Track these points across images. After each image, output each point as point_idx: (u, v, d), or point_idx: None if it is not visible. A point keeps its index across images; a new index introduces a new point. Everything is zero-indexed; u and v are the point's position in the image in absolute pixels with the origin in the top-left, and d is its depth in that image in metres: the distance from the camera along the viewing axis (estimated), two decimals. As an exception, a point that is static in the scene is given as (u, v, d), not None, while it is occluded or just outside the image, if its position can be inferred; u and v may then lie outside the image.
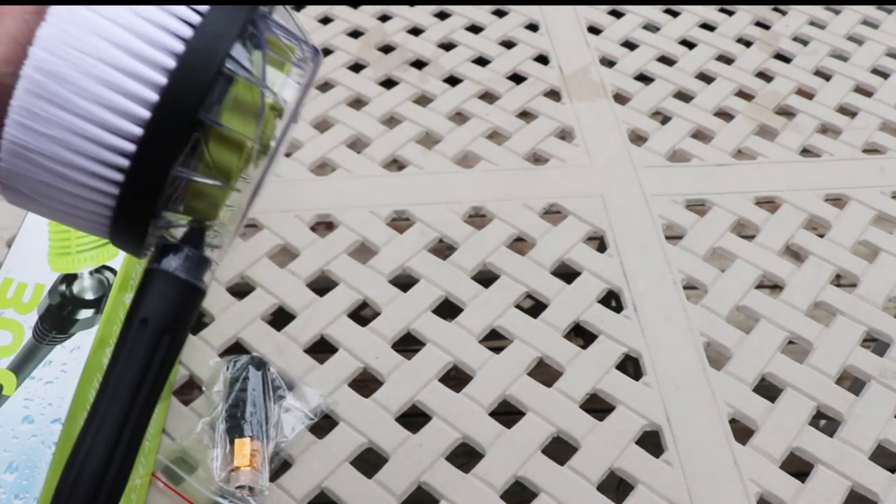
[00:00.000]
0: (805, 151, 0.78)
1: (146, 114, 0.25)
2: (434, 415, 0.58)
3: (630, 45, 0.89)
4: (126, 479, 0.28)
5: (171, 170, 0.25)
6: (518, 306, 0.64)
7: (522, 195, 0.72)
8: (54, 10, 0.24)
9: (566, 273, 0.66)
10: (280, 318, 0.63)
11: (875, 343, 0.65)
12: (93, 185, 0.26)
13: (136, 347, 0.27)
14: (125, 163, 0.25)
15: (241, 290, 0.65)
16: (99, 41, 0.24)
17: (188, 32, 0.25)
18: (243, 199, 0.29)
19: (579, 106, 0.81)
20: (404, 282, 0.65)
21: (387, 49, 0.87)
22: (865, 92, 0.84)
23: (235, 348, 0.61)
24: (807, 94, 0.84)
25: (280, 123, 0.28)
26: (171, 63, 0.25)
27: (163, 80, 0.25)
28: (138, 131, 0.25)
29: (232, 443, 0.53)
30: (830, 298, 0.66)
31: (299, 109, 0.29)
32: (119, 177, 0.26)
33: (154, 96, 0.25)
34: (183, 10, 0.25)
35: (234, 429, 0.54)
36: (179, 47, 0.25)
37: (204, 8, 0.26)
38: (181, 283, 0.28)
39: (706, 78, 0.85)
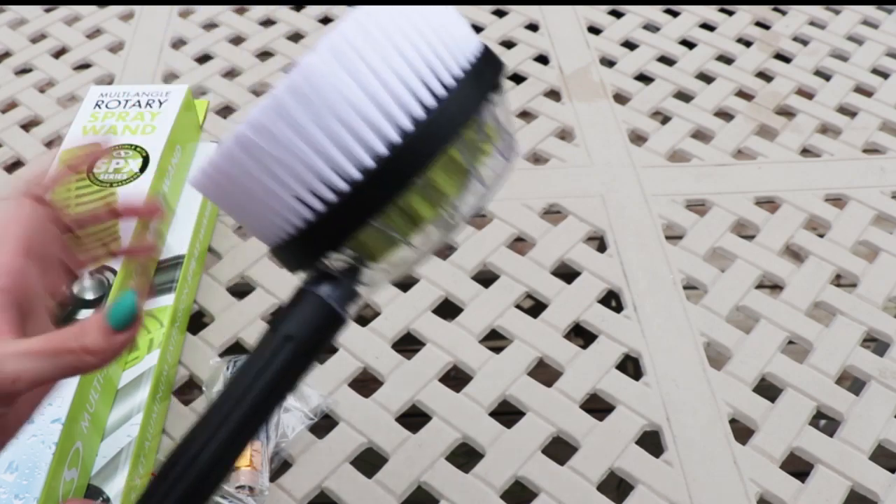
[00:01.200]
0: (805, 151, 0.78)
1: (370, 163, 0.26)
2: (434, 415, 0.58)
3: (630, 45, 0.89)
4: (221, 480, 0.29)
5: (370, 219, 0.27)
6: (518, 306, 0.64)
7: (522, 195, 0.72)
8: (326, 43, 0.25)
9: (566, 273, 0.66)
10: (280, 318, 0.63)
11: (875, 343, 0.65)
12: (291, 205, 0.27)
13: (274, 361, 0.29)
14: (333, 198, 0.26)
15: (241, 290, 0.65)
16: (352, 84, 0.25)
17: (432, 103, 0.26)
18: (411, 256, 0.30)
19: (579, 106, 0.81)
20: (404, 282, 0.65)
21: (387, 49, 0.87)
22: (865, 92, 0.84)
23: (235, 348, 0.61)
24: (807, 94, 0.84)
25: (467, 199, 0.29)
26: (409, 126, 0.26)
27: (397, 139, 0.26)
28: (357, 175, 0.26)
29: (232, 443, 0.53)
30: (830, 298, 0.66)
31: (489, 195, 0.30)
32: (320, 207, 0.27)
33: (383, 150, 0.26)
34: (435, 82, 0.27)
35: (234, 429, 0.54)
36: (421, 114, 0.26)
37: (450, 83, 0.27)
38: (331, 311, 0.29)
39: (706, 78, 0.85)
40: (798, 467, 0.56)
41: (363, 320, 0.63)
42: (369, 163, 0.26)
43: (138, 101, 0.65)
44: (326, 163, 0.26)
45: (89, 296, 0.52)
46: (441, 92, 0.27)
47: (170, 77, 0.84)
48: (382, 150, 0.26)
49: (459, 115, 0.27)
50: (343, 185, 0.26)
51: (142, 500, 0.29)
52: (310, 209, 0.27)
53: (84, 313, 0.51)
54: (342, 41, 0.26)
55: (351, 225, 0.27)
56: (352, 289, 0.29)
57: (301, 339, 0.29)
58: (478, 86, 0.28)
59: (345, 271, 0.29)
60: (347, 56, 0.26)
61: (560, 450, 0.57)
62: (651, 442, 0.57)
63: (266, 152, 0.26)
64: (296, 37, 0.89)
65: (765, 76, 0.85)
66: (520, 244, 0.69)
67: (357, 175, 0.26)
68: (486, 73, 0.28)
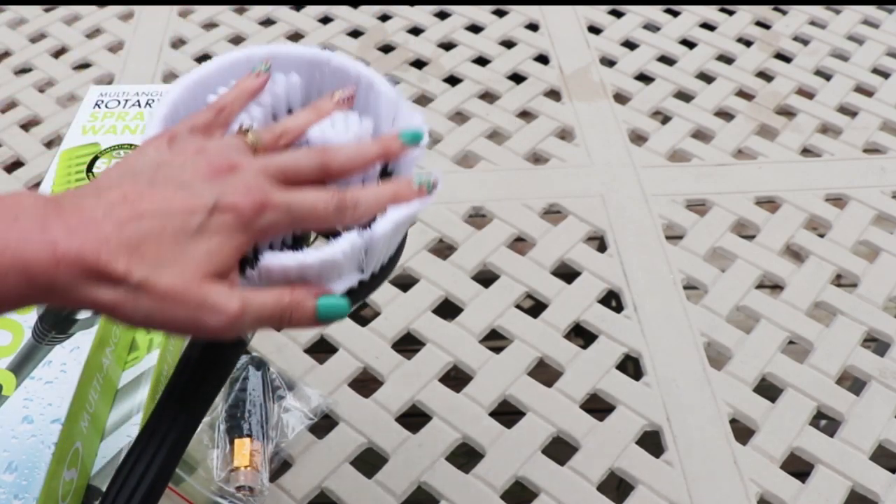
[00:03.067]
0: (805, 151, 0.78)
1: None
2: (434, 415, 0.58)
3: (630, 45, 0.88)
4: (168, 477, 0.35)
5: None
6: (518, 306, 0.64)
7: (522, 195, 0.72)
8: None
9: (566, 273, 0.66)
10: (280, 318, 0.63)
11: (875, 343, 0.65)
12: None
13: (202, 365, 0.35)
14: None
15: (240, 290, 0.65)
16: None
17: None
18: None
19: (579, 106, 0.81)
20: (404, 282, 0.65)
21: (387, 49, 0.87)
22: (866, 92, 0.84)
23: (235, 348, 0.61)
24: (807, 94, 0.83)
25: None
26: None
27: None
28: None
29: (232, 443, 0.53)
30: (831, 298, 0.66)
31: None
32: None
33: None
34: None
35: (234, 429, 0.54)
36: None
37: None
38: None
39: (706, 78, 0.85)
40: (798, 467, 0.56)
41: (363, 320, 0.63)
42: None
43: (138, 101, 0.64)
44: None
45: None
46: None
47: (170, 77, 0.84)
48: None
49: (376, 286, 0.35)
50: None
51: None
52: None
53: (83, 313, 0.51)
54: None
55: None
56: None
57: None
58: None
59: None
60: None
61: (560, 450, 0.57)
62: (651, 442, 0.57)
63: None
64: (296, 36, 0.89)
65: (765, 76, 0.85)
66: (520, 244, 0.69)
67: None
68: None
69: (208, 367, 0.34)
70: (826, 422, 0.63)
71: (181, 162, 0.30)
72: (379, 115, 0.36)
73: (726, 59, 0.87)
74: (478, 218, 0.71)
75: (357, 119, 0.35)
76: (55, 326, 0.51)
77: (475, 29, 0.90)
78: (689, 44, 0.89)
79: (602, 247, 0.69)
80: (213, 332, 0.29)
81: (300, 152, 0.33)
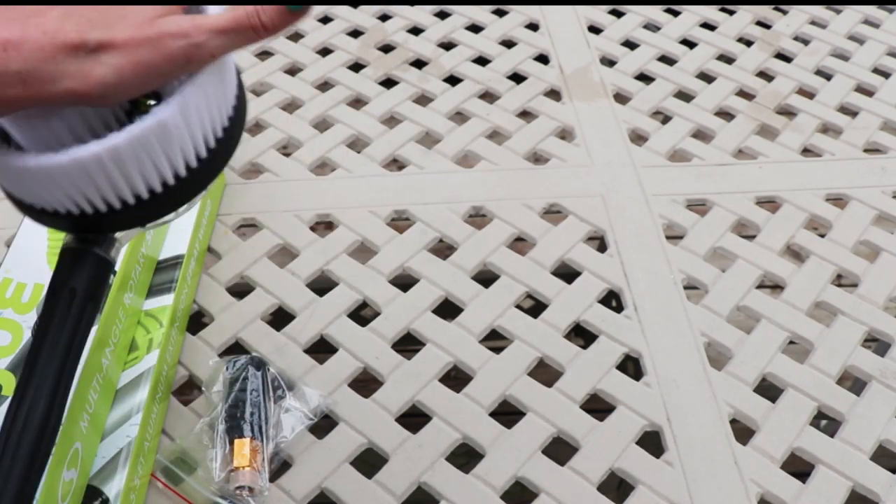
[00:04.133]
0: (806, 151, 0.78)
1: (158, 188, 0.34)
2: (434, 415, 0.58)
3: (630, 45, 0.88)
4: (59, 424, 0.34)
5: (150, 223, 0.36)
6: (518, 306, 0.64)
7: (522, 195, 0.72)
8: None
9: (566, 273, 0.66)
10: (280, 318, 0.63)
11: (876, 343, 0.65)
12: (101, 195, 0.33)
13: (68, 315, 0.33)
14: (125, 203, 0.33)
15: (240, 290, 0.65)
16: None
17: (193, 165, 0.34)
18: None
19: (579, 106, 0.81)
20: (404, 282, 0.65)
21: (387, 48, 0.87)
22: (866, 91, 0.84)
23: (235, 348, 0.61)
24: (808, 94, 0.83)
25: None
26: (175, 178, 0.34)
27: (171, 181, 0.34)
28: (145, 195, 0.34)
29: (231, 443, 0.53)
30: (831, 298, 0.65)
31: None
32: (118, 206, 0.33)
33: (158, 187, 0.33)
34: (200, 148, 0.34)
35: (234, 429, 0.54)
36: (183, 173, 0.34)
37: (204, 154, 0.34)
38: (99, 258, 0.35)
39: (707, 77, 0.85)
40: (799, 468, 0.56)
41: (363, 320, 0.63)
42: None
43: (138, 101, 0.64)
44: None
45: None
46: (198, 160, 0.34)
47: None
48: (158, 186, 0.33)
49: (212, 175, 0.35)
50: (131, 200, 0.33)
51: None
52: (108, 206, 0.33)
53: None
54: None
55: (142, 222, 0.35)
56: (111, 236, 0.36)
57: (83, 289, 0.34)
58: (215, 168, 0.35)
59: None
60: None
61: (560, 450, 0.56)
62: (651, 442, 0.57)
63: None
64: (295, 36, 0.89)
65: (765, 76, 0.85)
66: (520, 244, 0.69)
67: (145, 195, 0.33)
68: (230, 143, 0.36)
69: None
70: (826, 422, 0.63)
71: None
72: None
73: (727, 59, 0.87)
74: (478, 218, 0.71)
75: None
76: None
77: (475, 29, 0.90)
78: (689, 43, 0.89)
79: (602, 247, 0.69)
80: (191, 56, 0.31)
81: None
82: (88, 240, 0.34)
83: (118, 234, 0.36)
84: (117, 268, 0.54)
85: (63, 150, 0.30)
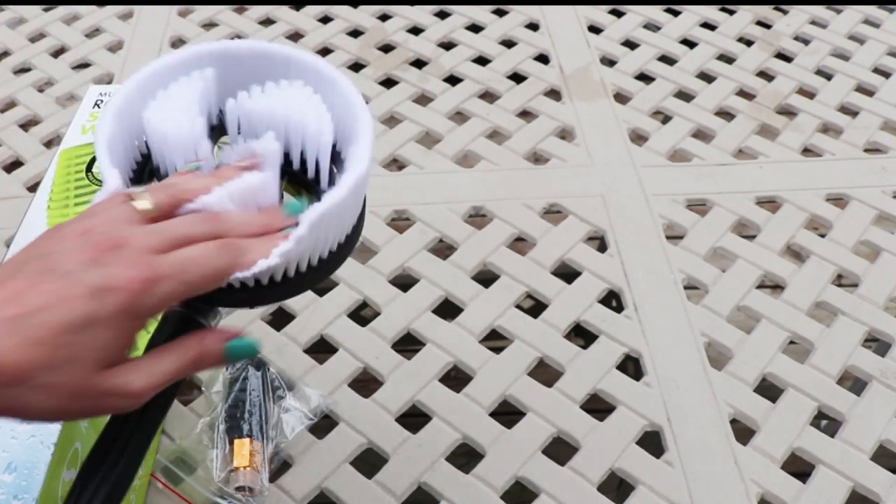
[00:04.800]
0: (806, 151, 0.78)
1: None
2: (434, 415, 0.58)
3: (630, 45, 0.88)
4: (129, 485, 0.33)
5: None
6: (518, 306, 0.64)
7: (522, 195, 0.72)
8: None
9: (566, 273, 0.66)
10: (280, 318, 0.63)
11: (876, 343, 0.65)
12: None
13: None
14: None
15: (240, 289, 0.64)
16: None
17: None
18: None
19: (580, 105, 0.81)
20: (404, 282, 0.65)
21: (387, 48, 0.87)
22: (867, 91, 0.84)
23: (235, 348, 0.61)
24: (808, 94, 0.83)
25: None
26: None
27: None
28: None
29: (231, 443, 0.53)
30: (831, 298, 0.65)
31: None
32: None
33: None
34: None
35: (234, 429, 0.54)
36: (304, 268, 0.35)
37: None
38: (200, 326, 0.34)
39: (707, 77, 0.85)
40: (799, 468, 0.56)
41: (363, 320, 0.63)
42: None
43: (138, 101, 0.64)
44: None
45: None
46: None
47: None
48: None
49: (331, 270, 0.36)
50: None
51: None
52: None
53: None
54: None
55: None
56: (217, 313, 0.36)
57: None
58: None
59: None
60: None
61: (560, 450, 0.56)
62: (652, 442, 0.57)
63: None
64: (295, 36, 0.89)
65: (766, 75, 0.85)
66: (520, 244, 0.69)
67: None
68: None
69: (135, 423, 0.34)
70: (827, 422, 0.63)
71: (66, 247, 0.29)
72: (336, 110, 0.37)
73: (727, 59, 0.87)
74: (478, 218, 0.71)
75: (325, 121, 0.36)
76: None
77: (475, 28, 0.90)
78: (689, 43, 0.89)
79: (602, 247, 0.69)
80: (125, 410, 0.30)
81: (193, 219, 0.32)
82: (194, 308, 0.34)
83: (223, 309, 0.36)
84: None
85: None
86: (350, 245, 0.37)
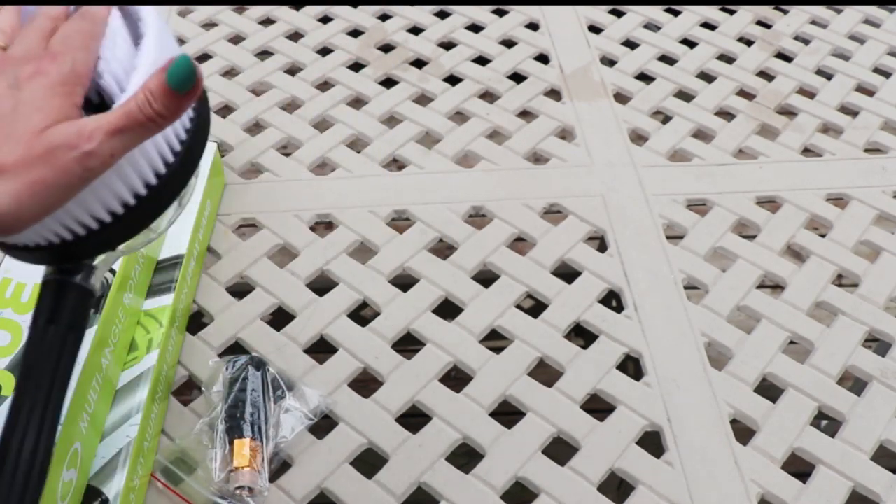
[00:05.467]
0: (806, 151, 0.78)
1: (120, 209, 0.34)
2: (434, 415, 0.57)
3: (631, 45, 0.88)
4: (48, 461, 0.33)
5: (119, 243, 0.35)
6: (518, 306, 0.64)
7: (522, 195, 0.72)
8: None
9: (566, 273, 0.66)
10: (280, 318, 0.63)
11: (876, 343, 0.65)
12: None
13: (46, 347, 0.33)
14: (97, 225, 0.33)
15: (240, 290, 0.65)
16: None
17: (162, 171, 0.34)
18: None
19: (580, 105, 0.81)
20: (404, 282, 0.65)
21: (387, 48, 0.87)
22: (867, 91, 0.84)
23: (235, 348, 0.61)
24: (808, 94, 0.83)
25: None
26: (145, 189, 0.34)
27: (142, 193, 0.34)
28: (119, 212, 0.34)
29: (231, 443, 0.53)
30: (832, 298, 0.65)
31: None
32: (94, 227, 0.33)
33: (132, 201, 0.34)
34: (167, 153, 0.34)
35: (234, 429, 0.54)
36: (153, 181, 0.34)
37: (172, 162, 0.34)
38: (78, 288, 0.34)
39: (707, 77, 0.85)
40: (799, 468, 0.56)
41: (363, 320, 0.63)
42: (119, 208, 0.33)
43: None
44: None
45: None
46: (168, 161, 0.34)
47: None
48: (131, 201, 0.33)
49: (178, 187, 0.35)
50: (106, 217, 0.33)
51: None
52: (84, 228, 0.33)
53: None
54: None
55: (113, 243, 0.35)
56: (90, 265, 0.35)
57: (64, 320, 0.34)
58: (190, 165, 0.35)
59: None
60: None
61: (560, 450, 0.56)
62: (652, 442, 0.57)
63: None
64: (295, 36, 0.89)
65: (766, 75, 0.85)
66: (520, 244, 0.69)
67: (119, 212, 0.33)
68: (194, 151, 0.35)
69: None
70: (827, 422, 0.63)
71: None
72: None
73: (727, 59, 0.87)
74: (478, 218, 0.71)
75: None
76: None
77: (475, 28, 0.90)
78: (689, 43, 0.89)
79: (602, 247, 0.69)
80: (87, 164, 0.30)
81: (40, 20, 0.33)
82: (68, 270, 0.34)
83: (97, 262, 0.35)
84: (117, 267, 0.54)
85: None
86: (190, 156, 0.35)
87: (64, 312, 0.34)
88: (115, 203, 0.33)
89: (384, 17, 0.91)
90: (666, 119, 0.80)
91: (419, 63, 0.86)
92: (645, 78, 0.85)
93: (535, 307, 0.64)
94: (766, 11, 0.93)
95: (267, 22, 0.91)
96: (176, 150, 0.34)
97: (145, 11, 0.34)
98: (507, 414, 0.58)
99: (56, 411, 0.33)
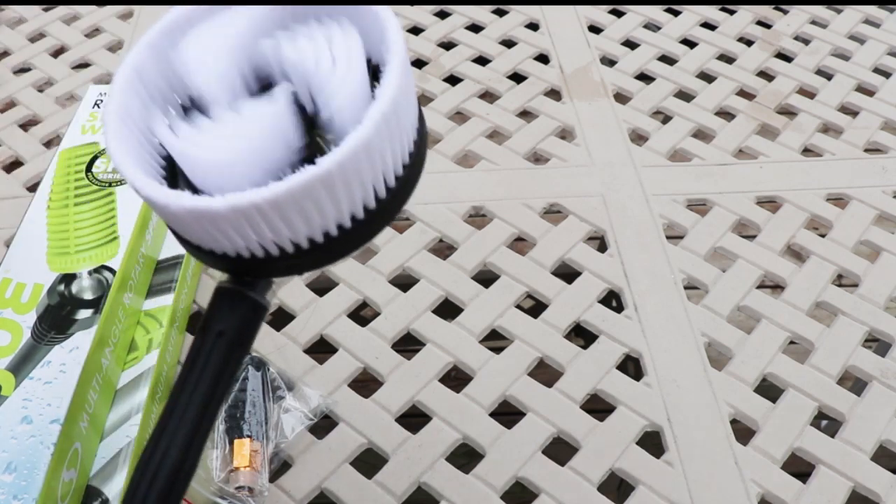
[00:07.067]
0: (806, 151, 0.78)
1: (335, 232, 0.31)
2: (434, 415, 0.57)
3: (631, 45, 0.88)
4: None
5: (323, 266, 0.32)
6: (518, 306, 0.64)
7: (522, 195, 0.72)
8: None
9: (566, 273, 0.66)
10: (280, 318, 0.63)
11: (877, 343, 0.65)
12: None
13: (211, 358, 0.31)
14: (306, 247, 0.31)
15: (240, 289, 0.64)
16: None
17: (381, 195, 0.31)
18: None
19: (580, 105, 0.81)
20: (404, 282, 0.65)
21: (387, 48, 0.87)
22: (867, 91, 0.84)
23: (235, 348, 0.61)
24: (808, 94, 0.83)
25: None
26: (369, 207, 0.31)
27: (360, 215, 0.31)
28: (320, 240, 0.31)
29: (231, 443, 0.53)
30: (832, 298, 0.65)
31: None
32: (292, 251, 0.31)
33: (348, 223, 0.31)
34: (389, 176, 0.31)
35: (234, 429, 0.54)
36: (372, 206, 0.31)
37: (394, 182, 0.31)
38: (254, 302, 0.32)
39: (707, 77, 0.85)
40: (799, 468, 0.56)
41: (363, 320, 0.63)
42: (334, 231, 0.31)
43: (137, 101, 0.64)
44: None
45: (88, 296, 0.52)
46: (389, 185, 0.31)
47: (169, 76, 0.83)
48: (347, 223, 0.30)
49: (384, 224, 0.32)
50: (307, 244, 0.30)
51: None
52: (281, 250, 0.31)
53: (82, 313, 0.51)
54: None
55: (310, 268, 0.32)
56: (270, 284, 0.34)
57: (231, 332, 0.32)
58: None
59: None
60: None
61: (560, 450, 0.56)
62: (652, 442, 0.57)
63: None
64: (296, 36, 0.89)
65: (766, 75, 0.85)
66: (520, 244, 0.69)
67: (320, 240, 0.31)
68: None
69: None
70: (827, 422, 0.63)
71: None
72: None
73: (727, 59, 0.87)
74: (478, 218, 0.71)
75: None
76: (54, 326, 0.51)
77: (475, 28, 0.90)
78: (689, 43, 0.89)
79: (602, 247, 0.69)
80: None
81: None
82: (245, 282, 0.32)
83: (275, 279, 0.34)
84: (117, 266, 0.54)
85: (226, 194, 0.28)
86: (403, 190, 0.32)
87: (233, 324, 0.32)
88: (318, 233, 0.30)
89: (384, 17, 0.91)
90: (666, 119, 0.80)
91: (419, 63, 0.86)
92: (645, 78, 0.85)
93: (535, 307, 0.64)
94: (766, 11, 0.93)
95: (267, 22, 0.90)
96: (390, 186, 0.31)
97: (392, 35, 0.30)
98: (507, 414, 0.58)
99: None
